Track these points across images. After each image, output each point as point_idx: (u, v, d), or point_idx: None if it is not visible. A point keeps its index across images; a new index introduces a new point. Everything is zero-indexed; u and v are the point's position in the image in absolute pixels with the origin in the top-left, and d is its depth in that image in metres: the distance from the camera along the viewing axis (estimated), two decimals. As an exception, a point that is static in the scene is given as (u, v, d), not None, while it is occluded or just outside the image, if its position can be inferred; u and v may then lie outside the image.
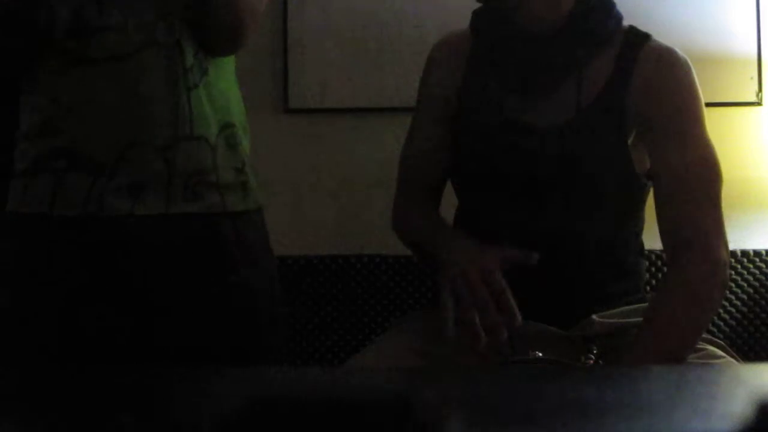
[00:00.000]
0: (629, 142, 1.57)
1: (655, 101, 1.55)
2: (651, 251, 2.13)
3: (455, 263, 1.48)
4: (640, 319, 1.56)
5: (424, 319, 1.67)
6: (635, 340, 1.49)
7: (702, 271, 1.51)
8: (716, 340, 1.66)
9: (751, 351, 2.24)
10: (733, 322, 2.26)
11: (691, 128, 1.56)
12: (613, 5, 1.61)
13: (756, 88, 2.36)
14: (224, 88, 1.54)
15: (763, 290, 2.26)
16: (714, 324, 2.23)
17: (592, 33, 1.57)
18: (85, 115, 1.45)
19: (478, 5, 1.63)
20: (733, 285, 2.23)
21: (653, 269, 2.22)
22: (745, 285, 2.25)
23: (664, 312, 1.50)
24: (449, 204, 1.76)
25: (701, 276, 1.51)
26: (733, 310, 2.25)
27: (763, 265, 2.27)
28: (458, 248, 1.53)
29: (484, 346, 1.43)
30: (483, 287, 1.44)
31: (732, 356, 1.60)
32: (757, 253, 2.26)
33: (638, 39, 1.60)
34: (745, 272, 2.25)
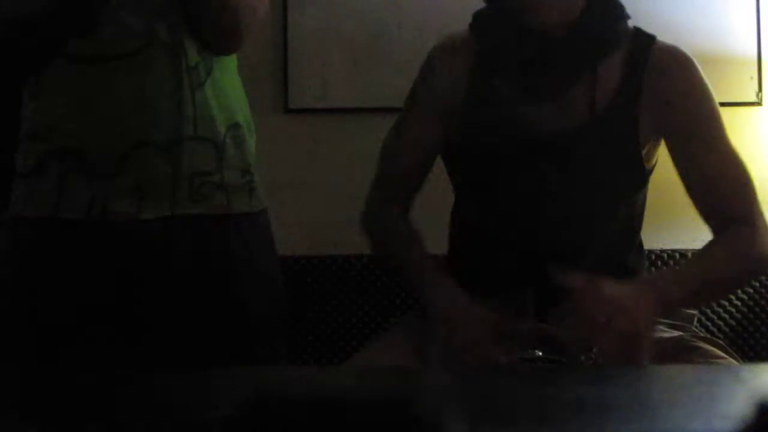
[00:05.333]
0: (643, 150, 1.56)
1: (671, 104, 1.55)
2: (651, 251, 2.13)
3: (444, 322, 1.51)
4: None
5: (423, 320, 1.67)
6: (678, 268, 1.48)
7: (747, 235, 1.52)
8: (716, 340, 1.66)
9: (751, 351, 2.24)
10: (733, 322, 2.26)
11: (714, 128, 1.57)
12: (622, 6, 1.60)
13: (756, 88, 2.36)
14: (229, 87, 1.54)
15: (763, 290, 2.27)
16: (714, 324, 2.23)
17: (602, 35, 1.56)
18: (87, 115, 1.45)
19: (479, 5, 1.62)
20: (733, 285, 2.23)
21: (653, 269, 2.22)
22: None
23: (710, 255, 1.52)
24: (446, 204, 1.75)
25: (746, 238, 1.52)
26: (733, 310, 2.26)
27: (764, 265, 2.27)
28: (446, 305, 1.54)
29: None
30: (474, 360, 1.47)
31: (732, 356, 1.60)
32: (757, 253, 2.26)
33: (646, 41, 1.59)
34: (745, 272, 2.25)
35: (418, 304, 2.10)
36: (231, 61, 1.56)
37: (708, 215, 1.57)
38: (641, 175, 1.58)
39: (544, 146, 1.57)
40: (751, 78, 2.36)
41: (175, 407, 0.88)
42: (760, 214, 1.55)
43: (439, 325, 1.53)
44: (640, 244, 1.69)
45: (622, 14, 1.59)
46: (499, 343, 1.50)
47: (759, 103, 2.37)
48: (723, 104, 2.28)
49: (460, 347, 1.48)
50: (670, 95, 1.55)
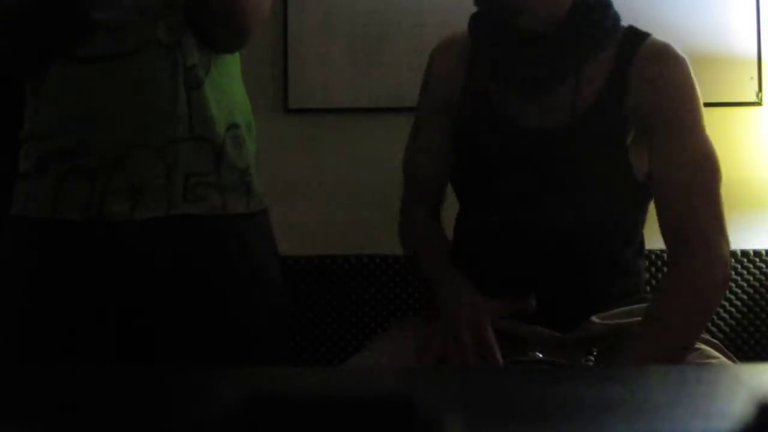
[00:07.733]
0: (629, 143, 1.56)
1: (652, 99, 1.55)
2: (651, 251, 2.13)
3: (453, 324, 1.51)
4: (641, 318, 1.56)
5: (424, 320, 1.67)
6: (635, 335, 1.49)
7: (703, 267, 1.51)
8: (712, 340, 1.66)
9: (750, 351, 2.24)
10: (733, 322, 2.26)
11: (689, 125, 1.57)
12: (609, 5, 1.60)
13: (756, 88, 2.36)
14: (229, 87, 1.53)
15: (763, 290, 2.26)
16: (714, 324, 2.23)
17: (589, 34, 1.56)
18: (85, 116, 1.45)
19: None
20: (733, 285, 2.23)
21: (653, 269, 2.22)
22: (745, 285, 2.25)
23: (665, 307, 1.51)
24: (450, 206, 1.75)
25: (702, 272, 1.51)
26: (733, 310, 2.25)
27: (763, 265, 2.27)
28: (459, 306, 1.54)
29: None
30: (474, 355, 1.47)
31: (727, 356, 1.60)
32: (757, 253, 2.27)
33: (636, 38, 1.60)
34: (745, 272, 2.25)
35: (419, 304, 2.10)
36: (232, 62, 1.56)
37: (666, 226, 1.56)
38: (630, 173, 1.57)
39: (530, 145, 1.57)
40: (751, 78, 2.36)
41: (174, 407, 0.88)
42: (717, 229, 1.53)
43: (445, 318, 1.53)
44: (641, 244, 1.69)
45: (608, 13, 1.59)
46: (498, 341, 1.50)
47: (759, 103, 2.37)
48: (723, 104, 2.30)
49: (461, 339, 1.48)
50: (653, 88, 1.56)
